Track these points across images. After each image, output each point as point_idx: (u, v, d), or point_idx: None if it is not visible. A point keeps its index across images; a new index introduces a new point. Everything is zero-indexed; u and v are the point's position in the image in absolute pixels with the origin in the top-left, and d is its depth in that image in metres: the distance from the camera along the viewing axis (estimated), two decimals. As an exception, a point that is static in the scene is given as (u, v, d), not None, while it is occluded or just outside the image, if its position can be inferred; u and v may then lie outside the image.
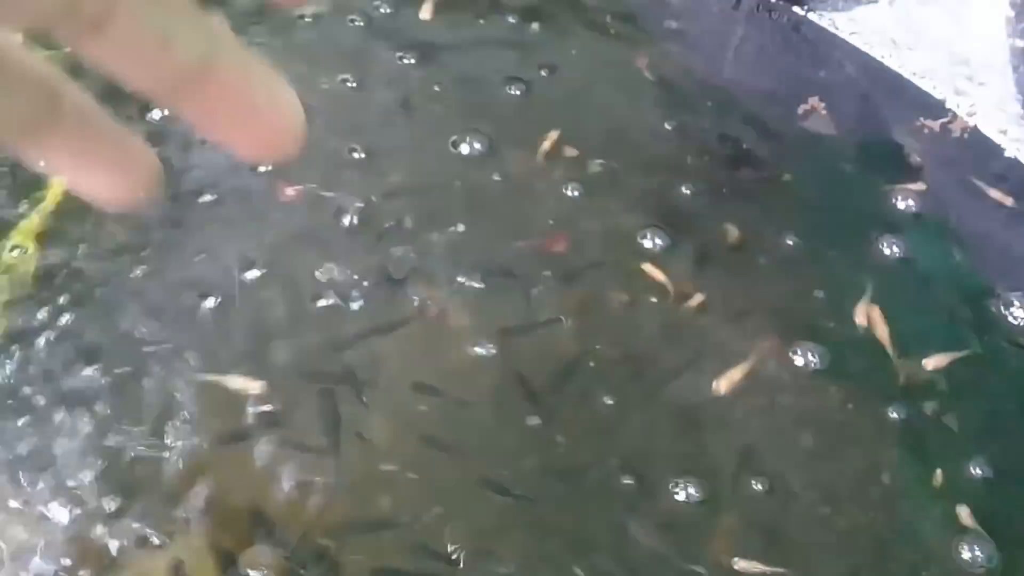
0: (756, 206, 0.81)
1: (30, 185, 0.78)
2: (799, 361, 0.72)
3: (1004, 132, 0.80)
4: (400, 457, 0.68)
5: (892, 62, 0.87)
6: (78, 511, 0.65)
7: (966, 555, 0.64)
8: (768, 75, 0.91)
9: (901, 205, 0.79)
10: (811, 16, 0.92)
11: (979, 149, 0.81)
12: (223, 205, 0.78)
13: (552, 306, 0.75)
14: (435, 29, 0.92)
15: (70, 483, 0.66)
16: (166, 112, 0.79)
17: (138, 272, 0.75)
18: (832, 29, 0.91)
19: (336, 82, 0.87)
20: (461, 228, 0.78)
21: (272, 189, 0.79)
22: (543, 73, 0.89)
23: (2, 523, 0.65)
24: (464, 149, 0.82)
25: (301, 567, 0.63)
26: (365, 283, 0.75)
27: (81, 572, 0.63)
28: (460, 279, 0.76)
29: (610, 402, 0.70)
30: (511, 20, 0.93)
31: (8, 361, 0.71)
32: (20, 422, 0.68)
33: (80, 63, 0.20)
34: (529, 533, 0.66)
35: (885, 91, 0.87)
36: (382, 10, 0.93)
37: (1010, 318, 0.73)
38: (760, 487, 0.68)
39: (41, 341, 0.72)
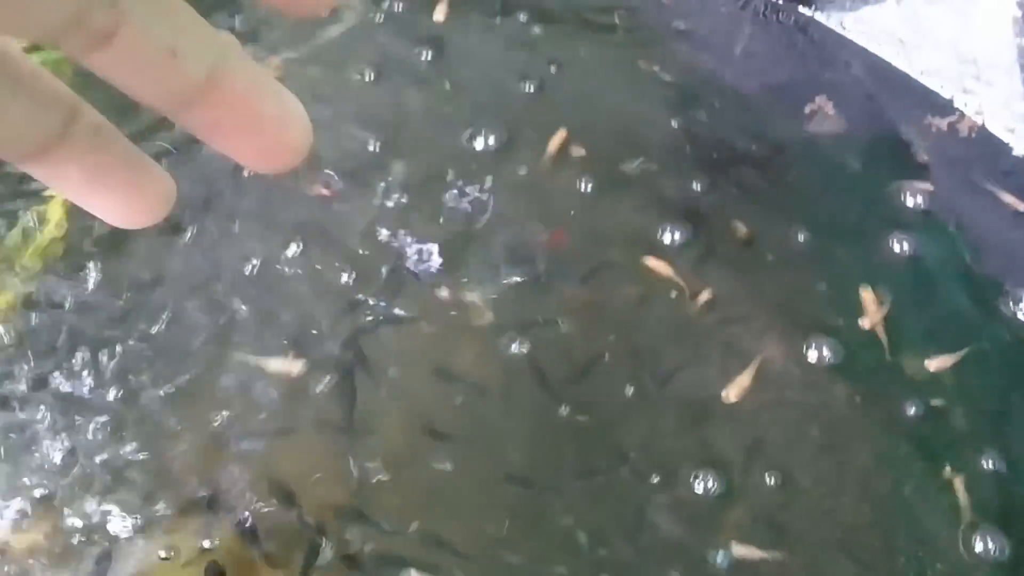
0: (764, 204, 0.81)
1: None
2: (807, 358, 0.72)
3: (1012, 131, 0.80)
4: (413, 446, 0.69)
5: (899, 62, 0.88)
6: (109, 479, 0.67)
7: (978, 548, 0.65)
8: (775, 75, 0.92)
9: (909, 204, 0.79)
10: (818, 16, 0.92)
11: (987, 148, 0.81)
12: (254, 191, 0.80)
13: (563, 302, 0.76)
14: (448, 28, 0.92)
15: (102, 456, 0.68)
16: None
17: (175, 250, 0.77)
18: (839, 29, 0.91)
19: (352, 78, 0.88)
20: (476, 223, 0.80)
21: (301, 181, 0.81)
22: (552, 72, 0.89)
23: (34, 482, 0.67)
24: (477, 144, 0.83)
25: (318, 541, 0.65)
26: (380, 274, 0.77)
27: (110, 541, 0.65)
28: (475, 273, 0.77)
29: (621, 397, 0.71)
30: (522, 20, 0.93)
31: (37, 329, 0.73)
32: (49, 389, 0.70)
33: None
34: (539, 521, 0.67)
35: (892, 90, 0.87)
36: (396, 9, 0.93)
37: (1020, 315, 0.73)
38: (769, 481, 0.68)
39: (69, 310, 0.74)
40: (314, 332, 0.74)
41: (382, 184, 0.81)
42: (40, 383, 0.71)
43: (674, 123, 0.87)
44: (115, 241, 0.77)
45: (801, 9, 0.92)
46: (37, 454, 0.69)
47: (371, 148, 0.83)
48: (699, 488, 0.68)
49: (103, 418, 0.70)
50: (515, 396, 0.71)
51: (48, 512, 0.66)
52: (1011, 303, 0.73)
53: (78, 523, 0.66)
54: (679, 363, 0.73)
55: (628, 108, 0.89)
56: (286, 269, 0.77)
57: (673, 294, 0.76)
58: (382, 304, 0.75)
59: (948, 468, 0.68)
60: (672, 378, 0.72)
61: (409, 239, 0.78)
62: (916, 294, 0.75)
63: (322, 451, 0.69)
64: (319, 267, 0.77)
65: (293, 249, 0.78)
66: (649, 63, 0.92)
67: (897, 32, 0.89)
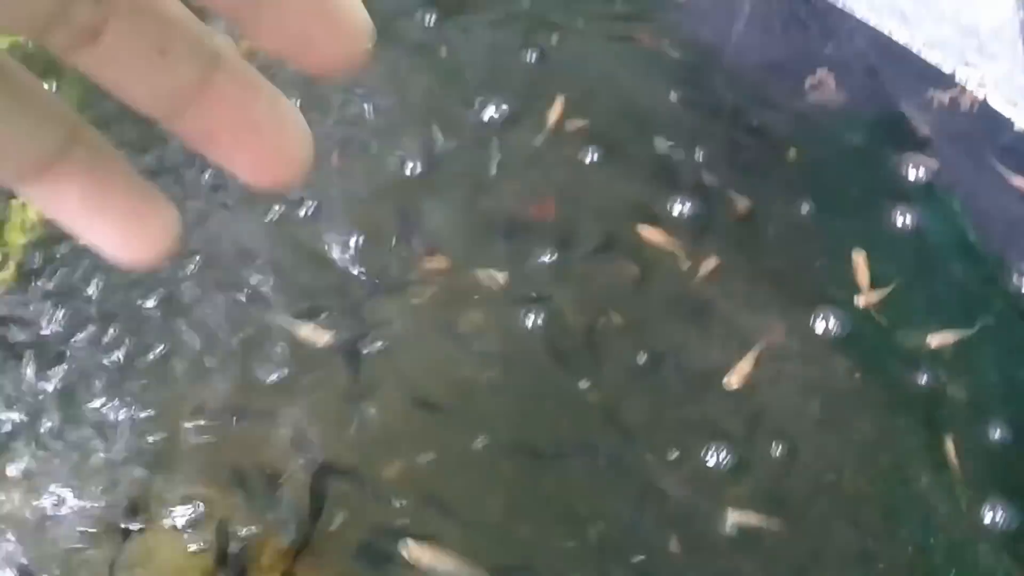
0: (764, 177, 0.81)
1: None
2: (808, 333, 0.72)
3: (1014, 104, 0.80)
4: (408, 417, 0.69)
5: (901, 35, 0.87)
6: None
7: (986, 519, 0.65)
8: (776, 48, 0.91)
9: (911, 177, 0.79)
10: (819, -11, 0.91)
11: (988, 121, 0.81)
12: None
13: (563, 274, 0.75)
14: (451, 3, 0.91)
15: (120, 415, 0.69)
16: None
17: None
18: (840, 3, 0.90)
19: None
20: (477, 194, 0.79)
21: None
22: (552, 43, 0.88)
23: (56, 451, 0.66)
24: (481, 113, 0.82)
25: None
26: (383, 248, 0.76)
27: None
28: (476, 245, 0.76)
29: (624, 371, 0.71)
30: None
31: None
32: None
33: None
34: (543, 491, 0.67)
35: (894, 64, 0.87)
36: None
37: (1022, 288, 0.73)
38: (771, 454, 0.68)
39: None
40: (319, 298, 0.73)
41: (387, 154, 0.80)
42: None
43: (673, 96, 0.86)
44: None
45: (802, -18, 0.91)
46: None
47: (370, 117, 0.83)
48: (702, 460, 0.68)
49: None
50: (517, 366, 0.71)
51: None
52: (1014, 276, 0.73)
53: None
54: (680, 337, 0.72)
55: (628, 81, 0.88)
56: (298, 232, 0.76)
57: (672, 267, 0.75)
58: (388, 272, 0.75)
59: (951, 441, 0.68)
60: (674, 352, 0.72)
61: (410, 211, 0.78)
62: (918, 268, 0.75)
63: (326, 418, 0.69)
64: (328, 233, 0.77)
65: (303, 211, 0.77)
66: (649, 36, 0.91)
67: (899, 5, 0.88)
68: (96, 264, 0.74)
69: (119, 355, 0.71)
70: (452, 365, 0.71)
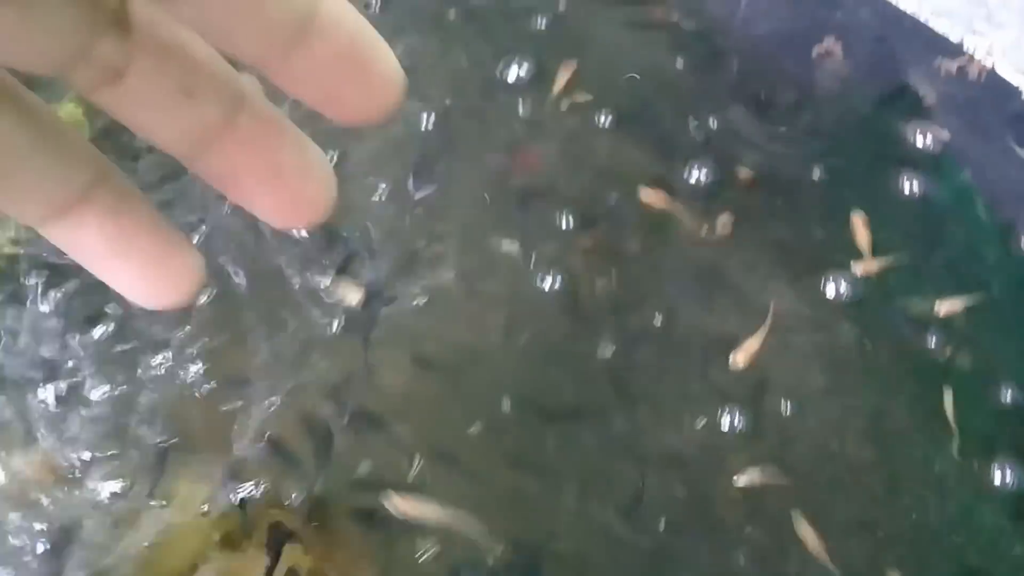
0: (771, 146, 0.80)
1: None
2: (813, 301, 0.72)
3: (1022, 73, 0.80)
4: (419, 377, 0.70)
5: (908, 4, 0.86)
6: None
7: (995, 480, 0.65)
8: (784, 17, 0.90)
9: (918, 146, 0.78)
10: (826, -43, 0.91)
11: (996, 90, 0.80)
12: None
13: (570, 239, 0.75)
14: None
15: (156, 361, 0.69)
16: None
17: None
18: (847, -29, 0.90)
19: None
20: (484, 157, 0.79)
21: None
22: (562, 9, 0.88)
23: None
24: (479, 81, 0.82)
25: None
26: (389, 208, 0.76)
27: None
28: (483, 208, 0.76)
29: (627, 338, 0.71)
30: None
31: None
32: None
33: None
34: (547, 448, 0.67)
35: (901, 33, 0.86)
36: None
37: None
38: (775, 422, 0.68)
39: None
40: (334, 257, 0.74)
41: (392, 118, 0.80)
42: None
43: (680, 63, 0.85)
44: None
45: (809, -50, 0.90)
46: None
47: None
48: (708, 426, 0.68)
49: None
50: (527, 330, 0.71)
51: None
52: (1021, 241, 0.73)
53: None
54: (685, 304, 0.73)
55: (632, 50, 0.87)
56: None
57: (680, 234, 0.75)
58: (399, 234, 0.75)
59: (957, 408, 0.68)
60: (680, 319, 0.72)
61: (420, 171, 0.77)
62: (926, 236, 0.75)
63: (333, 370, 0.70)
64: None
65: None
66: (655, 4, 0.90)
67: (906, -27, 0.88)
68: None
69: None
70: (464, 327, 0.71)
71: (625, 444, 0.68)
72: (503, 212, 0.76)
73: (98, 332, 0.70)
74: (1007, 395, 0.68)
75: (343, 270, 0.73)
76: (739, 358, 0.70)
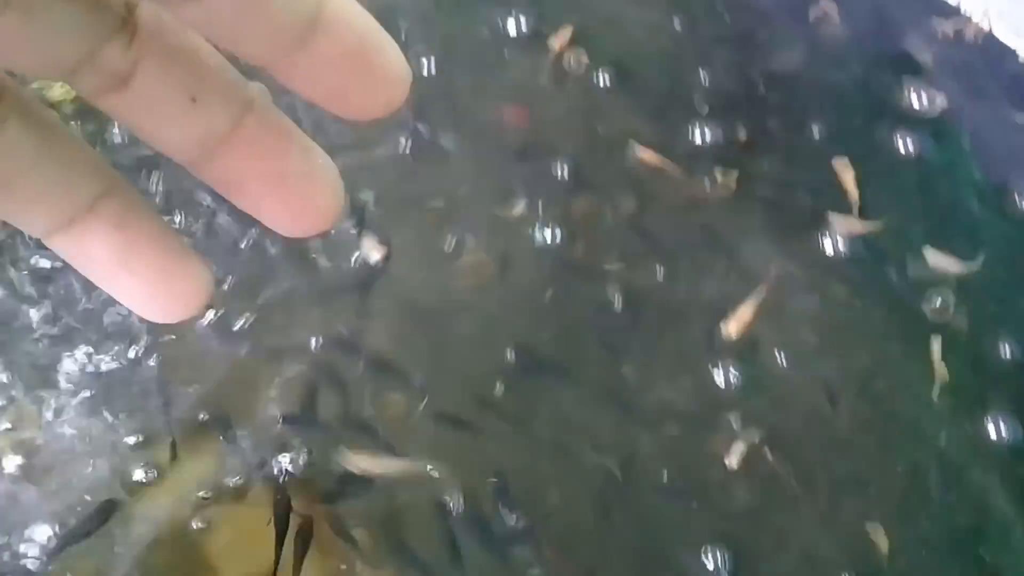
0: (766, 108, 0.80)
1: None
2: (807, 261, 0.72)
3: (1018, 34, 0.79)
4: (412, 331, 0.70)
5: (906, -34, 0.86)
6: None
7: (992, 434, 0.66)
8: (780, -22, 0.89)
9: (914, 107, 0.78)
10: (824, -81, 0.90)
11: (993, 52, 0.80)
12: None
13: (564, 196, 0.75)
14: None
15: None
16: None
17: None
18: (844, -68, 0.89)
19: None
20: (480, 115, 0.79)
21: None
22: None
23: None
24: (474, 39, 0.81)
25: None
26: (389, 164, 0.76)
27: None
28: (481, 166, 0.76)
29: (619, 302, 0.71)
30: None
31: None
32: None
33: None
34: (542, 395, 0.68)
35: (898, -5, 0.86)
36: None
37: (1024, 209, 0.73)
38: (766, 383, 0.68)
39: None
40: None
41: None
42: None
43: (677, 26, 0.85)
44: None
45: (807, -89, 0.90)
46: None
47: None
48: (696, 385, 0.68)
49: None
50: (520, 281, 0.72)
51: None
52: (1018, 205, 0.73)
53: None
54: (679, 263, 0.73)
55: (630, 12, 0.87)
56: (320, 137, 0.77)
57: (674, 194, 0.75)
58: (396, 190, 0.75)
59: (949, 368, 0.68)
60: (672, 280, 0.72)
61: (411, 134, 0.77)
62: (921, 197, 0.75)
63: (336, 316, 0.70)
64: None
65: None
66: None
67: (904, -66, 0.87)
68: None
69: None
70: (456, 281, 0.72)
71: (610, 400, 0.68)
72: (500, 168, 0.76)
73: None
74: (1001, 352, 0.68)
75: (361, 228, 0.73)
76: (731, 328, 0.70)
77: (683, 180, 0.76)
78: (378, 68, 0.19)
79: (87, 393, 0.67)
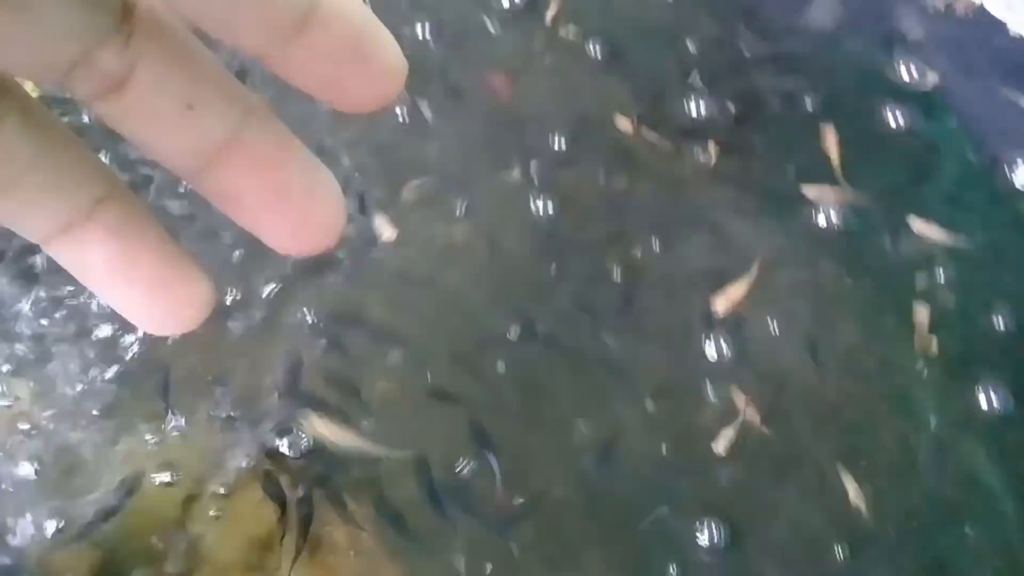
0: (757, 82, 0.80)
1: None
2: (797, 235, 0.72)
3: (1009, 8, 0.79)
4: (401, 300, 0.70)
5: (897, -61, 0.85)
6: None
7: (983, 404, 0.66)
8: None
9: (905, 80, 0.78)
10: None
11: (984, 26, 0.80)
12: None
13: (555, 177, 0.75)
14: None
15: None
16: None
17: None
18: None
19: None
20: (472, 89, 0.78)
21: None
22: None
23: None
24: (465, 10, 0.80)
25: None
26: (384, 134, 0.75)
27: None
28: (472, 138, 0.76)
29: (613, 270, 0.71)
30: None
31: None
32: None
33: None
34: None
35: (890, -31, 0.85)
36: None
37: (1016, 183, 0.73)
38: (755, 357, 0.68)
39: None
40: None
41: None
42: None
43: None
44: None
45: None
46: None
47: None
48: (684, 356, 0.68)
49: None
50: (510, 254, 0.72)
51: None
52: (1006, 178, 0.73)
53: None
54: (669, 237, 0.72)
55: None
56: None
57: (666, 168, 0.75)
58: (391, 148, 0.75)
59: (937, 340, 0.69)
60: (663, 256, 0.72)
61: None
62: (911, 168, 0.75)
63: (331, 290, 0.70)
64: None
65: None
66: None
67: (896, -93, 0.86)
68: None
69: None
70: (447, 253, 0.71)
71: (608, 371, 0.68)
72: (493, 140, 0.76)
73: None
74: (991, 324, 0.68)
75: (364, 208, 0.72)
76: (720, 305, 0.70)
77: (673, 154, 0.75)
78: (374, 60, 0.19)
79: (89, 372, 0.66)
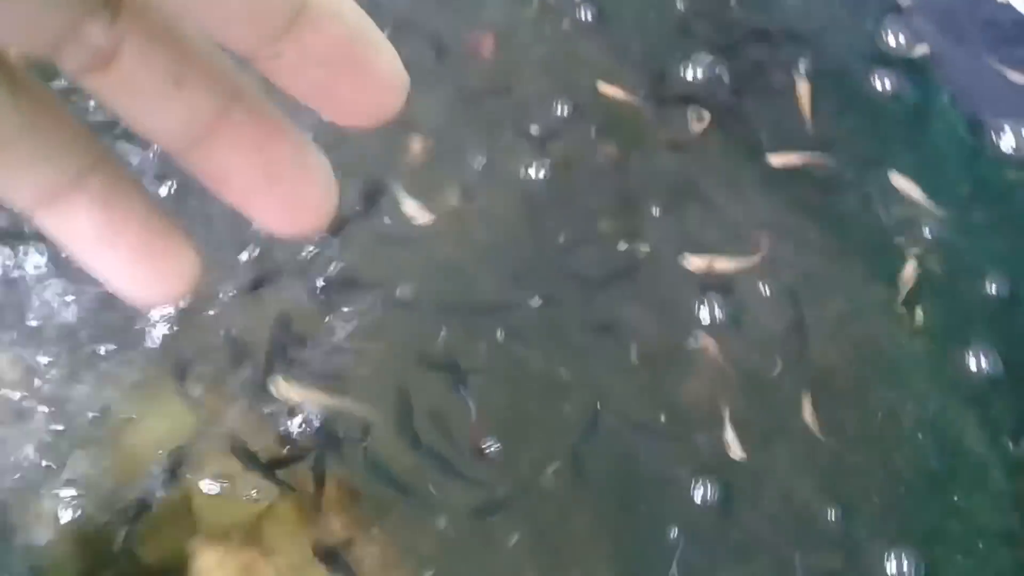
0: (747, 52, 0.79)
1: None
2: (784, 204, 0.72)
3: (996, -27, 0.79)
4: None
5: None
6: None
7: (972, 366, 0.66)
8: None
9: (891, 45, 0.78)
10: None
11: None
12: None
13: (546, 143, 0.74)
14: None
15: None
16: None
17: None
18: None
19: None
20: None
21: None
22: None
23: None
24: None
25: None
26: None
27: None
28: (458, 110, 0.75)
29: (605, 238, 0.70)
30: None
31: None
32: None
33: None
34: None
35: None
36: None
37: (1003, 147, 0.73)
38: (743, 328, 0.68)
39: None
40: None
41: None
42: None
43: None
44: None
45: None
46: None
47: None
48: (671, 328, 0.67)
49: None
50: (501, 220, 0.71)
51: None
52: (993, 139, 0.73)
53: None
54: (657, 204, 0.72)
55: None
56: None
57: (653, 139, 0.74)
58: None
59: (923, 310, 0.68)
60: (652, 224, 0.71)
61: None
62: (898, 133, 0.74)
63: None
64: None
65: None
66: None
67: None
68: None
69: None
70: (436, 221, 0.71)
71: (600, 338, 0.67)
72: (485, 103, 0.75)
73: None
74: (978, 289, 0.68)
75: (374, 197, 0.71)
76: (695, 263, 0.69)
77: (662, 120, 0.75)
78: (369, 68, 0.18)
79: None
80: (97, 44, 0.17)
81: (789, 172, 0.73)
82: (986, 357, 0.65)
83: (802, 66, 0.76)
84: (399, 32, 0.74)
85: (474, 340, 0.67)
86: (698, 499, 0.63)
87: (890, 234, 0.71)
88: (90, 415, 0.64)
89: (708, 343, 0.67)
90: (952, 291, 0.69)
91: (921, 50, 0.77)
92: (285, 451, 0.63)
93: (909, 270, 0.69)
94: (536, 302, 0.68)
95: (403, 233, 0.70)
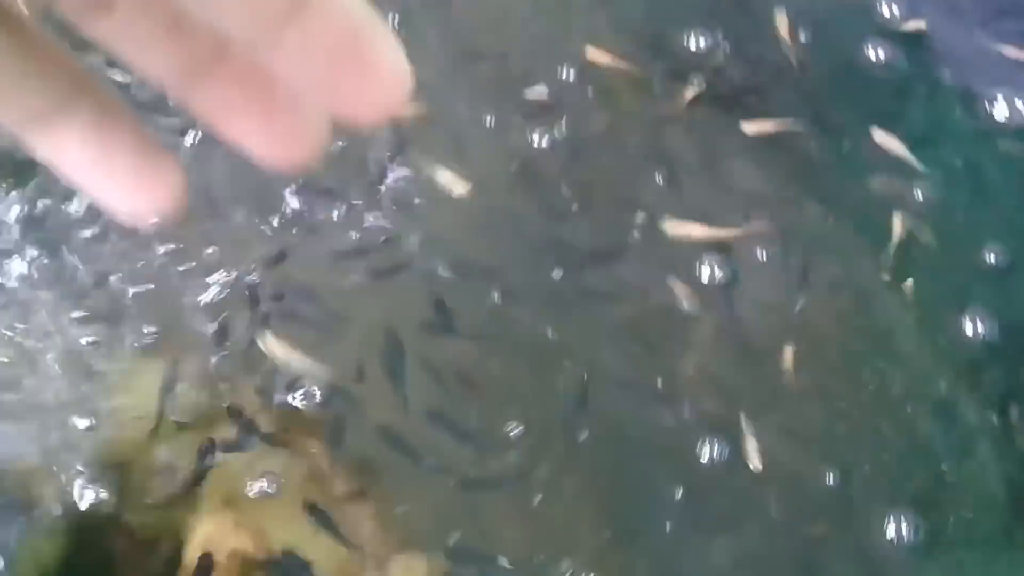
0: (744, 23, 0.79)
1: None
2: (777, 174, 0.72)
3: (988, -55, 0.79)
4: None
5: None
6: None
7: (968, 330, 0.66)
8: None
9: (885, 16, 0.78)
10: None
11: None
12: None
13: (538, 116, 0.74)
14: None
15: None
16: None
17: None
18: None
19: None
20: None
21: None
22: None
23: None
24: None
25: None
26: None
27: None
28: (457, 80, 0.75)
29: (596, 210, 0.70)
30: None
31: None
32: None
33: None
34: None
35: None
36: None
37: (995, 115, 0.73)
38: (733, 299, 0.68)
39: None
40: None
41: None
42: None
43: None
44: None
45: None
46: None
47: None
48: (662, 296, 0.67)
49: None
50: (494, 193, 0.71)
51: None
52: (986, 108, 0.73)
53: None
54: (651, 180, 0.72)
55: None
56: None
57: (646, 110, 0.74)
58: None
59: (912, 282, 0.69)
60: (645, 195, 0.71)
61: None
62: (892, 103, 0.74)
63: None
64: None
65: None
66: None
67: None
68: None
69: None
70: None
71: (591, 308, 0.67)
72: (480, 77, 0.75)
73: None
74: (970, 257, 0.68)
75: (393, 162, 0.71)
76: (673, 227, 0.69)
77: (657, 89, 0.74)
78: (372, 62, 0.18)
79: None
80: None
81: (782, 139, 0.73)
82: (978, 323, 0.66)
83: (800, 38, 0.76)
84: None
85: (470, 302, 0.67)
86: (694, 462, 0.63)
87: (882, 202, 0.71)
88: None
89: (699, 308, 0.67)
90: (943, 259, 0.69)
91: (916, 24, 0.78)
92: (285, 417, 0.63)
93: (898, 234, 0.69)
94: (530, 267, 0.68)
95: (396, 198, 0.70)
